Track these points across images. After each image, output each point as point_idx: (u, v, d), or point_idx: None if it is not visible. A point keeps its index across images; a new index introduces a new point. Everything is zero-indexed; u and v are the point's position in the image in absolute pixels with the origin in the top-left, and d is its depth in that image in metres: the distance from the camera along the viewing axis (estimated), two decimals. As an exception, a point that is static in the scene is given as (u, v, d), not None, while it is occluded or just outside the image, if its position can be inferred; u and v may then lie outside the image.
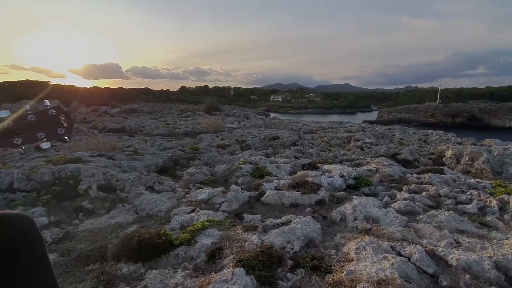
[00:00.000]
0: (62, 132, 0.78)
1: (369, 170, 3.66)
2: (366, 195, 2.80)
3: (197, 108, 22.57)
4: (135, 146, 5.81)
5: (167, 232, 1.93)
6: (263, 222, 2.18)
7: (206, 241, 1.87)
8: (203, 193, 2.70)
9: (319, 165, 3.84)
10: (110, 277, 1.54)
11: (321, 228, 2.14)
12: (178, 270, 1.58)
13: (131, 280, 1.54)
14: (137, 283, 1.50)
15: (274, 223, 2.13)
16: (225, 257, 1.72)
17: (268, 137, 7.89)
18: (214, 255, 1.74)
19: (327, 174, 3.21)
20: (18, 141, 0.72)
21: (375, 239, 1.81)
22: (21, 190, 2.80)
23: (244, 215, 2.35)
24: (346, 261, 1.64)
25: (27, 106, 0.75)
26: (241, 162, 3.70)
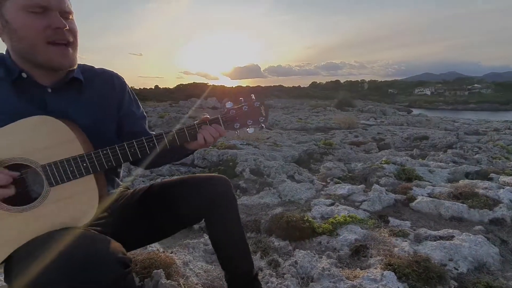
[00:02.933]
0: (262, 120, 0.97)
1: None
2: None
3: (328, 103, 22.29)
4: (274, 138, 6.43)
5: (310, 219, 2.06)
6: (415, 230, 1.94)
7: (349, 236, 1.86)
8: (342, 189, 2.68)
9: (493, 175, 3.00)
10: (265, 246, 1.81)
11: (499, 254, 1.69)
12: (323, 256, 1.66)
13: (282, 254, 1.75)
14: (287, 257, 1.69)
15: (429, 234, 1.86)
16: (370, 257, 1.66)
17: (413, 136, 6.84)
18: (359, 252, 1.72)
19: (508, 187, 2.46)
20: (237, 126, 0.95)
21: None
22: (199, 166, 3.70)
23: (389, 218, 2.17)
24: (548, 304, 1.23)
25: (242, 99, 0.97)
26: (383, 162, 3.40)
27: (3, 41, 0.80)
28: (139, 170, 3.52)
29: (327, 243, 1.86)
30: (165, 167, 3.60)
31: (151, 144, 0.85)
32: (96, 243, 0.69)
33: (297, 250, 1.73)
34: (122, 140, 1.03)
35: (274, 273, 1.49)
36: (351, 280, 1.41)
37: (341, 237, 1.87)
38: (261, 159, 3.58)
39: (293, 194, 2.76)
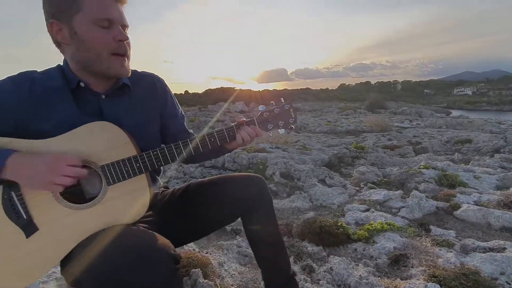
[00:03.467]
0: (291, 121, 1.00)
1: None
2: None
3: (358, 105, 21.58)
4: (303, 142, 6.36)
5: (344, 225, 2.00)
6: (461, 240, 1.81)
7: (387, 244, 1.78)
8: (378, 194, 2.57)
9: (551, 182, 2.71)
10: (298, 251, 1.79)
11: None
12: (360, 264, 1.61)
13: (315, 259, 1.72)
14: (322, 263, 1.65)
15: (477, 245, 1.72)
16: (412, 267, 1.58)
17: (453, 139, 6.39)
18: (398, 261, 1.64)
19: None
20: (270, 127, 1.00)
21: None
22: (229, 169, 3.77)
23: (431, 227, 2.05)
24: None
25: (273, 102, 1.00)
26: (421, 167, 3.22)
27: (63, 52, 0.88)
28: (173, 172, 3.68)
29: (363, 250, 1.79)
30: (197, 170, 3.72)
31: (194, 145, 0.91)
32: (152, 239, 0.74)
33: (331, 256, 1.69)
34: (165, 139, 1.09)
35: (308, 279, 1.47)
36: (391, 290, 1.35)
37: (378, 244, 1.79)
38: (291, 162, 3.56)
39: (324, 198, 2.71)
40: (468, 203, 2.27)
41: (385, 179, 3.10)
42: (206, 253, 1.66)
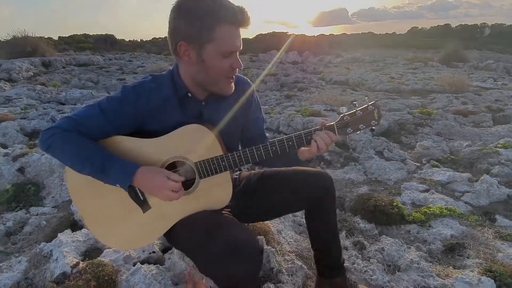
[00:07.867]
0: (374, 124, 1.00)
1: None
2: None
3: (430, 56, 18.70)
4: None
5: (399, 205, 2.03)
6: (530, 237, 1.72)
7: (444, 230, 1.79)
8: (441, 174, 2.46)
9: None
10: (350, 226, 1.92)
11: None
12: (412, 247, 1.68)
13: (367, 236, 1.83)
14: (373, 241, 1.76)
15: (550, 245, 1.62)
16: (467, 257, 1.60)
17: (549, 107, 5.35)
18: (453, 250, 1.66)
19: None
20: (350, 131, 1.01)
21: None
22: (283, 133, 3.87)
23: (497, 216, 1.95)
24: None
25: (355, 103, 0.99)
26: (499, 145, 2.89)
27: (179, 63, 0.99)
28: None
29: (417, 233, 1.84)
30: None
31: (273, 148, 1.01)
32: (246, 232, 0.93)
33: (383, 236, 1.78)
34: (243, 139, 1.21)
35: (359, 255, 1.61)
36: (442, 278, 1.41)
37: (434, 230, 1.81)
38: (347, 130, 3.49)
39: (380, 173, 2.69)
40: (549, 196, 2.06)
41: (452, 157, 2.89)
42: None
